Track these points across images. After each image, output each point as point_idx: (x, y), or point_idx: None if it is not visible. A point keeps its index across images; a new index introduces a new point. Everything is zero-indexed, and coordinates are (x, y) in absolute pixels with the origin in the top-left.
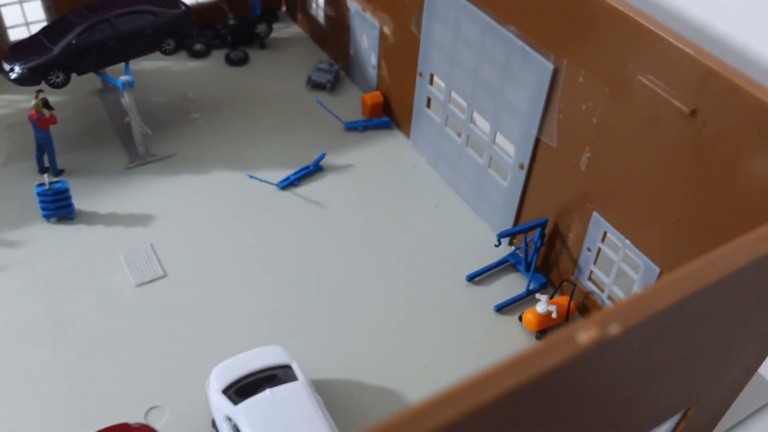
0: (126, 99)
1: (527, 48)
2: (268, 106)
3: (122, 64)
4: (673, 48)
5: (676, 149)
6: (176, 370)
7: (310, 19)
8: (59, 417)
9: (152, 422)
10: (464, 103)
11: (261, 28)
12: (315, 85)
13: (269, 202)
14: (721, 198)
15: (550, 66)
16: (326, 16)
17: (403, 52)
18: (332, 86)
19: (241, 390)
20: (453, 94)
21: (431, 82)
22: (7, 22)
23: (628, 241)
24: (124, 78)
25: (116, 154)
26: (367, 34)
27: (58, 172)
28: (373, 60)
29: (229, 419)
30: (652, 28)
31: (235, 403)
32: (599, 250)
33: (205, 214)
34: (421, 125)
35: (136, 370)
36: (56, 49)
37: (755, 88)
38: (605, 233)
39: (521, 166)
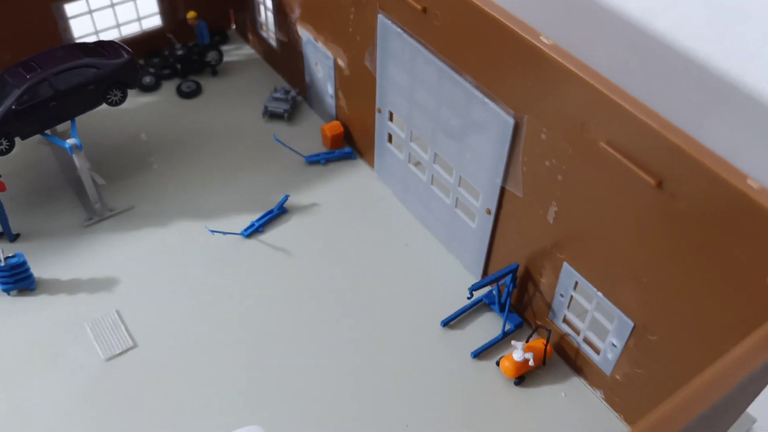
0: (76, 160)
1: (486, 100)
2: (226, 141)
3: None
4: (637, 119)
5: (645, 216)
6: None
7: (262, 41)
8: None
9: None
10: (425, 142)
11: (211, 56)
12: (272, 115)
13: (234, 253)
14: (696, 268)
15: (511, 120)
16: (278, 41)
17: (359, 85)
18: (290, 115)
19: None
20: (414, 132)
21: (391, 118)
22: None
23: (600, 294)
24: (71, 141)
25: (72, 211)
26: (321, 63)
27: (14, 238)
28: (330, 90)
29: None
30: (613, 97)
31: None
32: (572, 297)
33: (169, 271)
34: (385, 159)
35: None
36: None
37: (723, 169)
38: (577, 283)
39: (488, 212)
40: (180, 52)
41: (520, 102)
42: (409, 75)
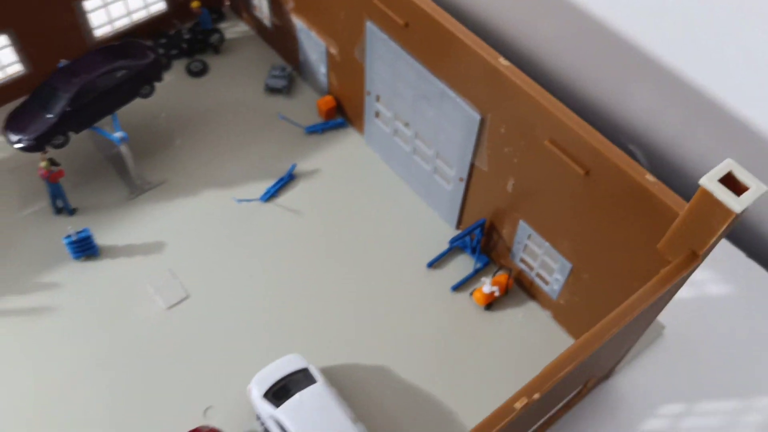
0: (123, 149)
1: (458, 98)
2: (234, 116)
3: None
4: (569, 127)
5: (576, 192)
6: (219, 378)
7: (256, 20)
8: (139, 429)
9: (211, 419)
10: (406, 122)
11: (214, 38)
12: (272, 90)
13: (257, 215)
14: (611, 230)
15: (477, 116)
16: (272, 23)
17: (350, 70)
18: (288, 89)
19: (276, 394)
20: (397, 114)
21: (378, 100)
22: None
23: (547, 243)
24: (118, 134)
25: (116, 187)
26: (314, 49)
27: (72, 212)
28: (323, 69)
29: (274, 418)
30: (553, 110)
31: (276, 405)
32: (526, 245)
33: (207, 233)
34: (373, 130)
35: (183, 382)
36: (53, 117)
37: (630, 167)
38: (530, 235)
39: (461, 179)
40: (187, 36)
41: (484, 104)
42: (393, 71)
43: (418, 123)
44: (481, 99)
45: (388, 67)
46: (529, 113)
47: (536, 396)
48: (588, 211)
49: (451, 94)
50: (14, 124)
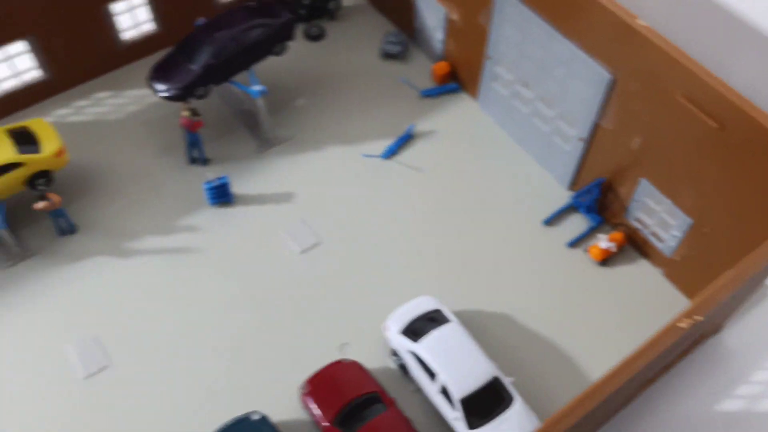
0: (259, 103)
1: (588, 58)
2: (352, 79)
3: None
4: (704, 82)
5: (706, 146)
6: (351, 317)
7: None
8: (279, 361)
9: (347, 354)
10: (529, 84)
11: (332, 4)
12: (387, 56)
13: (380, 170)
14: (740, 183)
15: (608, 76)
16: None
17: (470, 35)
18: (403, 55)
19: (414, 331)
20: (520, 75)
21: (499, 64)
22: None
23: (668, 200)
24: (257, 87)
25: (245, 140)
26: (433, 15)
27: (205, 162)
28: (440, 36)
29: (411, 353)
30: (688, 65)
31: (414, 341)
32: (644, 202)
33: (335, 185)
34: (488, 95)
35: (318, 320)
36: (198, 69)
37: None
38: (650, 192)
39: (581, 139)
40: (306, 1)
41: (616, 63)
42: (521, 34)
43: (542, 85)
44: (612, 59)
45: (517, 31)
46: (664, 71)
47: (698, 317)
48: (717, 165)
49: (582, 54)
50: (160, 75)
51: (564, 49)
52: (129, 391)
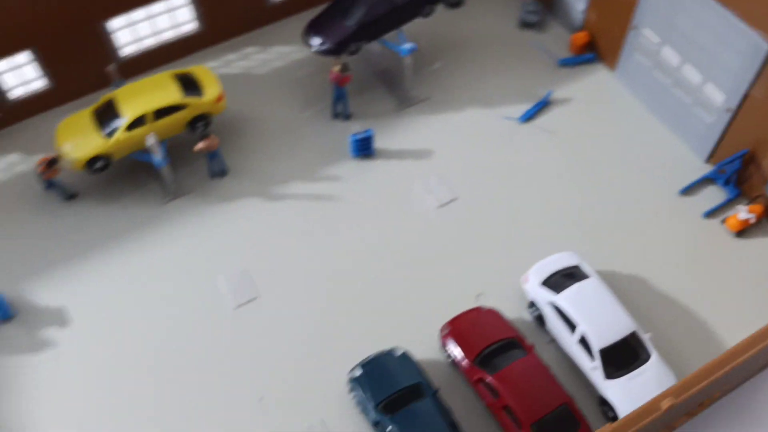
0: (406, 62)
1: (745, 27)
2: (489, 46)
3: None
4: None
5: None
6: (487, 268)
7: None
8: (418, 305)
9: (483, 303)
10: (675, 53)
11: None
12: (525, 25)
13: (516, 134)
14: None
15: (766, 45)
16: None
17: (615, 6)
18: (540, 25)
19: (554, 283)
20: (665, 46)
21: (643, 34)
22: None
23: None
24: (407, 45)
25: (385, 98)
26: None
27: (348, 117)
28: (581, 6)
29: (552, 304)
30: None
31: (556, 292)
32: None
33: (469, 145)
34: (628, 65)
35: (455, 270)
36: (352, 26)
37: None
38: None
39: (728, 110)
40: None
41: None
42: (671, 3)
43: (690, 54)
44: None
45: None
46: None
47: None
48: None
49: (738, 23)
50: (316, 29)
51: (718, 17)
52: (275, 322)
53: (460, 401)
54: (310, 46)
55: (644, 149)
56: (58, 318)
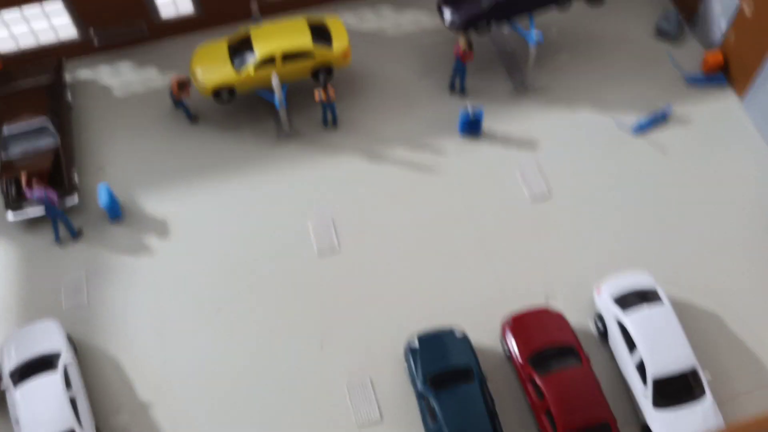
0: (532, 49)
1: None
2: (619, 48)
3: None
4: None
5: None
6: (564, 269)
7: None
8: (486, 290)
9: (552, 304)
10: None
11: None
12: (661, 34)
13: (624, 144)
14: None
15: None
16: None
17: (760, 29)
18: (676, 36)
19: (625, 301)
20: None
21: None
22: None
23: None
24: (537, 34)
25: (502, 81)
26: (721, 4)
27: (464, 92)
28: (723, 25)
29: (618, 321)
30: None
31: (625, 311)
32: None
33: (575, 144)
34: (759, 94)
35: (533, 261)
36: (486, 4)
37: None
38: None
39: None
40: None
41: None
42: None
43: None
44: None
45: None
46: None
47: None
48: None
49: None
50: (451, 3)
51: None
52: (349, 276)
53: (506, 395)
54: (442, 17)
55: (753, 187)
56: (160, 229)
